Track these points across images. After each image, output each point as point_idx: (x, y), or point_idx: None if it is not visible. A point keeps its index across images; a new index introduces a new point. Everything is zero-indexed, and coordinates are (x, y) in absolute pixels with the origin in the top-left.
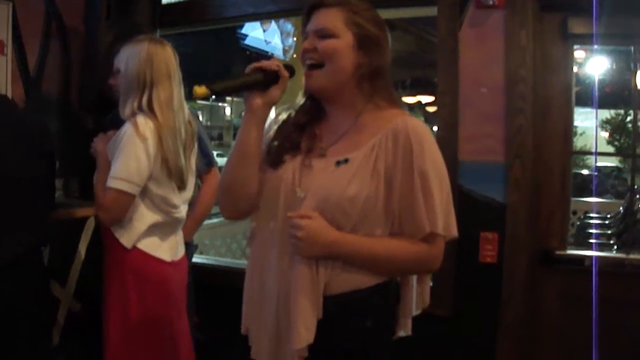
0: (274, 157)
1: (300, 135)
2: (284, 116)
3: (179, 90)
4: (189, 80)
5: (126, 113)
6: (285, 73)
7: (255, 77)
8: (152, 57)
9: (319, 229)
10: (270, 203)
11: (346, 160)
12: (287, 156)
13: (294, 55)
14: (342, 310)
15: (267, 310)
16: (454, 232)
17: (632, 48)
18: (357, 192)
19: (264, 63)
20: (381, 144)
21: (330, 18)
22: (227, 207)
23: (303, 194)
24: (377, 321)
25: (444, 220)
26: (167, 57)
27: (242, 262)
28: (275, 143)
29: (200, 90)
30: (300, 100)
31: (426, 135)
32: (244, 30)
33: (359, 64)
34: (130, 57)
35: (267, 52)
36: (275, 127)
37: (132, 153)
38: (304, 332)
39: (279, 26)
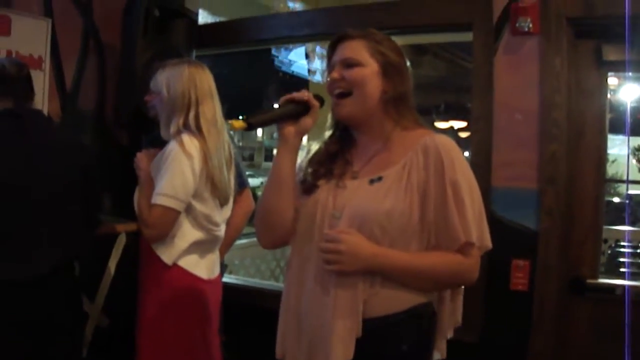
0: (309, 184)
1: (333, 163)
2: (315, 148)
3: (220, 110)
4: (226, 101)
5: (171, 132)
6: (316, 103)
7: (288, 109)
8: (195, 77)
9: (360, 242)
10: (307, 227)
11: (380, 178)
12: (321, 181)
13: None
14: (380, 333)
15: (303, 334)
16: (488, 242)
17: None
18: (393, 206)
19: (296, 95)
20: (412, 160)
21: (356, 48)
22: (264, 236)
23: (339, 214)
24: (413, 345)
25: (477, 230)
26: (208, 77)
27: (270, 283)
28: (309, 171)
29: (237, 124)
30: (329, 131)
31: (455, 149)
32: (290, 57)
33: (384, 90)
34: (172, 78)
35: (300, 74)
36: (308, 158)
37: (178, 170)
38: (342, 349)
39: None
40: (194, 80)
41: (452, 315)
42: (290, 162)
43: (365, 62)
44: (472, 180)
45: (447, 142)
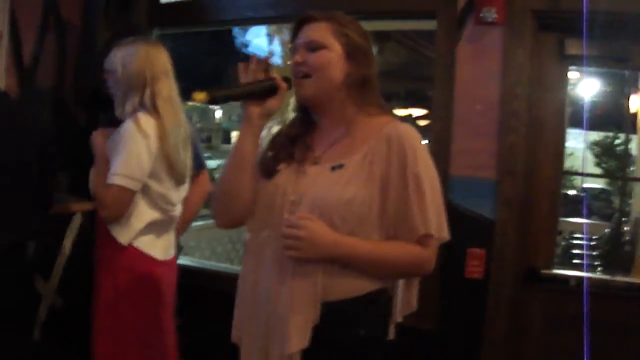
0: (268, 167)
1: (293, 146)
2: (275, 129)
3: (176, 89)
4: (185, 81)
5: (127, 110)
6: (284, 84)
7: (254, 87)
8: (150, 55)
9: (320, 229)
10: (265, 211)
11: (341, 166)
12: (282, 165)
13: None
14: (337, 318)
15: (259, 318)
16: (446, 234)
17: (626, 73)
18: (354, 195)
19: (263, 74)
20: (375, 149)
21: (319, 31)
22: (221, 216)
23: (298, 199)
24: (370, 330)
25: (436, 222)
26: (163, 56)
27: (225, 266)
28: (269, 154)
29: (199, 96)
30: (291, 114)
31: (418, 140)
32: (248, 37)
33: (348, 73)
34: (127, 56)
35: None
36: (268, 141)
37: (133, 149)
38: (298, 336)
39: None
40: (149, 59)
41: (406, 301)
42: (253, 143)
43: (329, 44)
44: (433, 171)
45: (410, 132)
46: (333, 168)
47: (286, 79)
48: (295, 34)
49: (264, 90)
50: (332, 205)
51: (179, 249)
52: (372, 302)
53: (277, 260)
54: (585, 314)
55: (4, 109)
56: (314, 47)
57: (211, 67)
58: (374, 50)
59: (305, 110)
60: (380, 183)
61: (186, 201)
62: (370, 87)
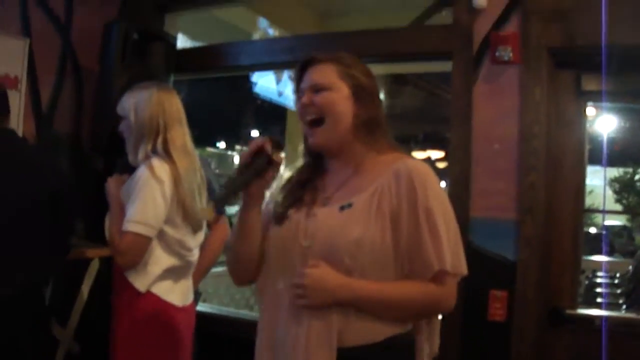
0: (279, 214)
1: (303, 191)
2: (287, 175)
3: (189, 135)
4: (203, 126)
5: (139, 157)
6: (278, 157)
7: (249, 175)
8: (163, 102)
9: (324, 275)
10: (278, 258)
11: (350, 205)
12: (292, 211)
13: None
14: None
15: None
16: (463, 269)
17: None
18: (362, 234)
19: (260, 141)
20: (384, 186)
21: (324, 72)
22: (237, 279)
23: (309, 242)
24: None
25: (452, 257)
26: (176, 102)
27: (244, 312)
28: (279, 200)
29: (207, 212)
30: (300, 161)
31: (428, 174)
32: (254, 79)
33: (356, 114)
34: (139, 102)
35: (278, 102)
36: (279, 187)
37: (148, 196)
38: None
39: (290, 77)
40: (162, 105)
41: (429, 345)
42: (256, 214)
43: (335, 85)
44: (446, 205)
45: (420, 166)
46: (342, 208)
47: (275, 142)
48: (299, 78)
49: (260, 171)
50: (341, 246)
51: (198, 296)
52: (391, 347)
53: (292, 306)
54: (605, 354)
55: (21, 153)
56: (320, 89)
57: (228, 112)
58: (380, 90)
59: (316, 155)
60: (391, 219)
61: (205, 248)
62: (378, 127)
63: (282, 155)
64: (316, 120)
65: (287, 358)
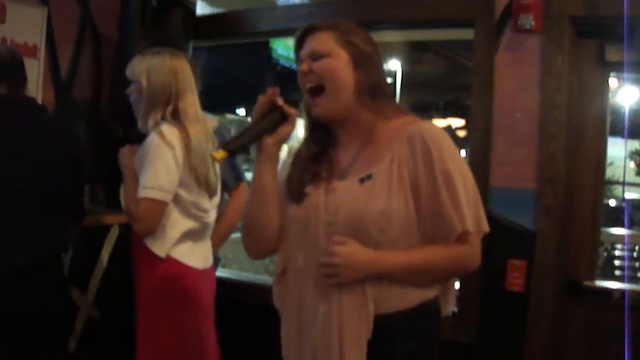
0: (296, 192)
1: (317, 165)
2: (295, 149)
3: (199, 103)
4: (222, 93)
5: (149, 125)
6: (292, 110)
7: (264, 125)
8: (176, 69)
9: (354, 251)
10: (300, 236)
11: (369, 177)
12: (309, 187)
13: None
14: (389, 331)
15: (307, 344)
16: (485, 226)
17: None
18: (387, 205)
19: (266, 99)
20: (400, 152)
21: (323, 40)
22: (252, 248)
23: (333, 219)
24: (422, 343)
25: (473, 216)
26: (188, 70)
27: (264, 278)
28: (294, 178)
29: (218, 154)
30: (306, 131)
31: (441, 135)
32: (273, 45)
33: (357, 80)
34: (152, 68)
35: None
36: (289, 162)
37: (160, 161)
38: (355, 353)
39: None
40: (175, 73)
41: (447, 304)
42: (271, 172)
43: (334, 52)
44: (462, 165)
45: (433, 129)
46: (362, 180)
47: (291, 102)
48: (299, 47)
49: (275, 123)
50: (367, 220)
51: (217, 261)
52: (423, 314)
53: (320, 284)
54: (626, 327)
55: (42, 122)
56: (318, 56)
57: (248, 79)
58: (382, 57)
59: (322, 126)
60: (411, 186)
61: (224, 213)
62: (382, 93)
63: (296, 111)
64: (316, 88)
65: (317, 337)
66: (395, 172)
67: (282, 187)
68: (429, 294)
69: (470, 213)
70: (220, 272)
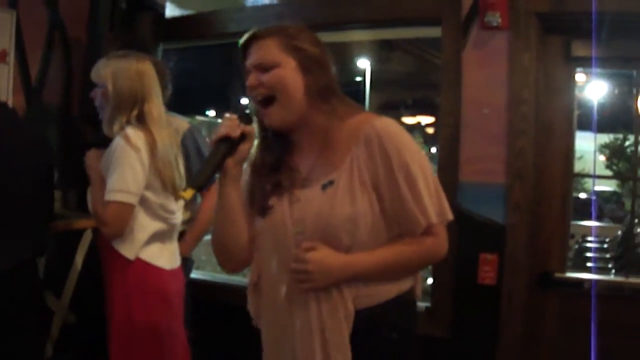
0: (260, 205)
1: (277, 174)
2: (252, 157)
3: (163, 106)
4: (192, 95)
5: (115, 129)
6: (249, 129)
7: (222, 150)
8: (142, 74)
9: (326, 257)
10: (271, 248)
11: (331, 183)
12: (273, 199)
13: None
14: (370, 325)
15: (286, 351)
16: (449, 215)
17: (634, 72)
18: (353, 209)
19: (225, 130)
20: (358, 156)
21: (268, 48)
22: (227, 266)
23: (300, 228)
24: (402, 333)
25: (436, 208)
26: (153, 74)
27: (238, 279)
28: (256, 190)
29: (187, 194)
30: (259, 140)
31: (396, 131)
32: None
33: (307, 85)
34: (118, 72)
35: None
36: (248, 171)
37: (126, 164)
38: (341, 352)
39: None
40: (141, 77)
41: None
42: (235, 190)
43: (281, 61)
44: (420, 157)
45: (387, 126)
46: (324, 187)
47: (246, 117)
48: (243, 55)
49: (233, 145)
50: (335, 226)
51: (191, 263)
52: (401, 304)
53: (295, 291)
54: (594, 317)
55: (13, 126)
56: (266, 67)
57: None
58: (329, 56)
59: (275, 134)
60: (373, 187)
61: (197, 216)
62: (333, 94)
63: (252, 128)
64: (267, 98)
65: (299, 342)
66: (356, 176)
67: (245, 199)
68: (405, 285)
69: (433, 205)
70: (195, 274)
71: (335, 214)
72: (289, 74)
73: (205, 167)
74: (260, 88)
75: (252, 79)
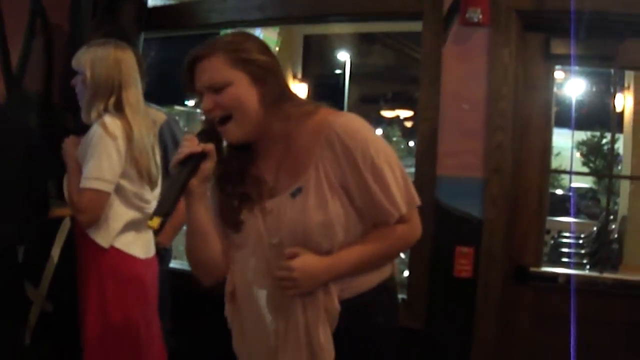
0: (231, 221)
1: (243, 185)
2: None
3: (141, 95)
4: (172, 85)
5: (92, 117)
6: (209, 147)
7: (185, 173)
8: (120, 61)
9: (308, 262)
10: (245, 261)
11: (299, 190)
12: (244, 213)
13: None
14: (355, 313)
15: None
16: (417, 200)
17: (612, 71)
18: (326, 214)
19: (186, 150)
20: (323, 159)
21: (216, 68)
22: (205, 279)
23: (277, 239)
24: (387, 317)
25: (405, 197)
26: (133, 62)
27: None
28: (226, 208)
29: (154, 223)
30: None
31: (356, 126)
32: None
33: (261, 96)
34: (96, 60)
35: None
36: (214, 192)
37: (103, 152)
38: (329, 346)
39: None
40: (119, 65)
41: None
42: (203, 208)
43: (233, 78)
44: (384, 148)
45: (347, 123)
46: (293, 194)
47: (208, 133)
48: (189, 77)
49: (195, 166)
50: (311, 232)
51: (170, 253)
52: (384, 291)
53: (276, 298)
54: (572, 311)
55: None
56: (218, 87)
57: None
58: (278, 60)
59: (234, 146)
60: (342, 188)
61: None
62: (288, 98)
63: (212, 146)
64: (224, 118)
65: (282, 349)
66: (323, 179)
67: (215, 218)
68: (385, 272)
69: (402, 195)
70: (174, 264)
71: (310, 221)
72: (243, 90)
73: (169, 192)
74: (217, 110)
75: (207, 103)
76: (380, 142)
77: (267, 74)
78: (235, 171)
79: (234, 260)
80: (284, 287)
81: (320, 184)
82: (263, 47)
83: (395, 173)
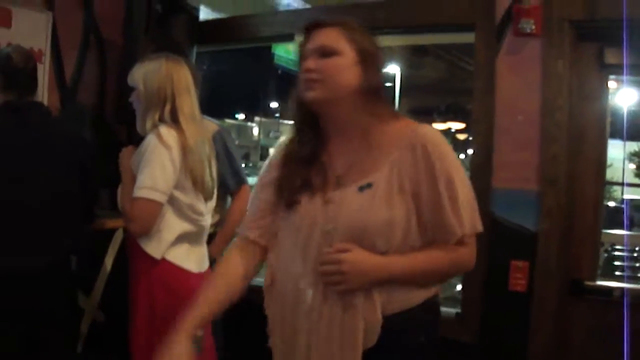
0: (288, 198)
1: (309, 169)
2: (282, 149)
3: (197, 105)
4: (224, 97)
5: (147, 127)
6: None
7: None
8: (172, 73)
9: (361, 258)
10: (293, 245)
11: (369, 185)
12: (303, 196)
13: None
14: (398, 330)
15: (301, 351)
16: (480, 226)
17: None
18: (392, 215)
19: None
20: (401, 161)
21: (332, 36)
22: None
23: (331, 227)
24: (429, 336)
25: (470, 219)
26: (185, 72)
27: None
28: (285, 182)
29: None
30: (294, 131)
31: (440, 140)
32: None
33: (360, 79)
34: (148, 73)
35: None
36: (275, 164)
37: (157, 162)
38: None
39: None
40: (170, 76)
41: None
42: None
43: (342, 50)
44: (460, 168)
45: (432, 134)
46: (361, 188)
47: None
48: (305, 40)
49: None
50: (371, 230)
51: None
52: (428, 309)
53: (319, 291)
54: (626, 325)
55: (50, 126)
56: (326, 52)
57: (248, 84)
58: (383, 59)
59: (311, 125)
60: (412, 194)
61: (227, 216)
62: (380, 96)
63: None
64: (316, 81)
65: (318, 342)
66: (395, 181)
67: (269, 192)
68: (431, 290)
69: (468, 216)
70: None
71: (372, 218)
72: (347, 64)
73: None
74: (316, 73)
75: (310, 63)
76: (458, 161)
77: (373, 62)
78: (308, 154)
79: (278, 249)
80: (332, 281)
81: (390, 184)
82: (375, 41)
83: (466, 194)
